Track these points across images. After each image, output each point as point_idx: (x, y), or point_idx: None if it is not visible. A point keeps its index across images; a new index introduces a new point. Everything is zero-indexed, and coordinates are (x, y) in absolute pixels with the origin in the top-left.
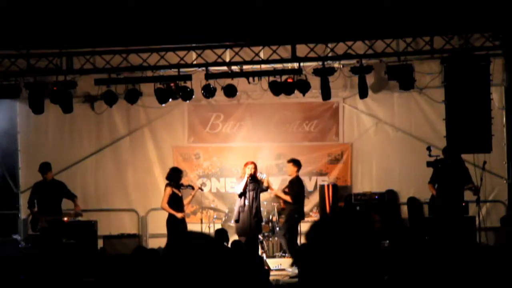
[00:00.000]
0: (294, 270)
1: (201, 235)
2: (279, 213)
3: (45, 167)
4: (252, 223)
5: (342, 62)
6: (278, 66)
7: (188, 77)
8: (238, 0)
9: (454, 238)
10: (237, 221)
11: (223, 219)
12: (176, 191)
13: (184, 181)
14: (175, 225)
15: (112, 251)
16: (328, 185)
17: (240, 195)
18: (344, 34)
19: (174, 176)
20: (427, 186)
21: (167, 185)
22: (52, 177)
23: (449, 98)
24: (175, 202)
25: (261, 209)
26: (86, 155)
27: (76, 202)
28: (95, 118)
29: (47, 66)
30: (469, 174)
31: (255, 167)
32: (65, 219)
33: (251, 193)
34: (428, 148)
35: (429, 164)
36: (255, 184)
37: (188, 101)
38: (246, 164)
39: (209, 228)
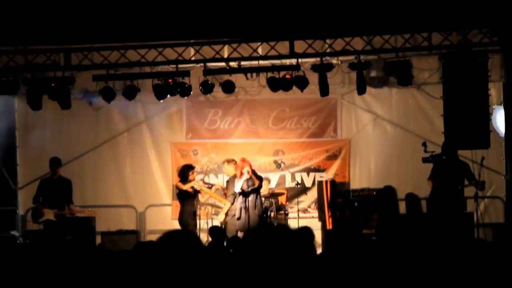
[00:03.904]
0: None
1: (185, 234)
2: (277, 209)
3: (54, 162)
4: (254, 219)
5: (340, 58)
6: (276, 62)
7: (186, 73)
8: None
9: (452, 234)
10: (238, 218)
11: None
12: (185, 188)
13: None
14: (184, 220)
15: (110, 247)
16: (326, 181)
17: (240, 193)
18: (342, 30)
19: (179, 174)
20: (425, 182)
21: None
22: (60, 173)
23: (447, 94)
24: (184, 198)
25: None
26: (84, 151)
27: (71, 207)
28: (93, 114)
29: (45, 62)
30: (470, 170)
31: (248, 164)
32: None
33: (250, 189)
34: (424, 144)
35: (424, 160)
36: (252, 181)
37: (186, 97)
38: (243, 162)
39: (207, 224)
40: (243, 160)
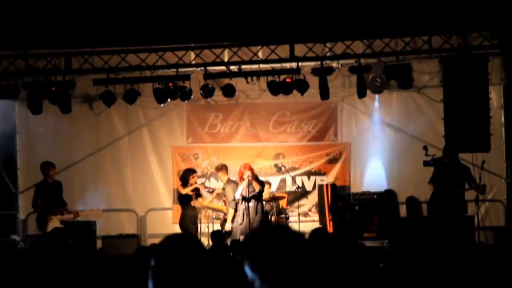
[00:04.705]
0: None
1: (186, 238)
2: (278, 213)
3: (46, 165)
4: (256, 224)
5: (341, 61)
6: (277, 65)
7: (187, 77)
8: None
9: (453, 237)
10: (241, 223)
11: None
12: (186, 191)
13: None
14: (184, 224)
15: (111, 251)
16: (326, 185)
17: (242, 199)
18: (342, 34)
19: (180, 178)
20: (425, 185)
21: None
22: (54, 176)
23: (447, 97)
24: (184, 202)
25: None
26: (84, 156)
27: (68, 210)
28: (93, 119)
29: (46, 66)
30: (471, 173)
31: (250, 169)
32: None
33: (250, 195)
34: (425, 148)
35: (425, 163)
36: (253, 186)
37: (186, 101)
38: (243, 168)
39: (208, 228)
40: (244, 166)
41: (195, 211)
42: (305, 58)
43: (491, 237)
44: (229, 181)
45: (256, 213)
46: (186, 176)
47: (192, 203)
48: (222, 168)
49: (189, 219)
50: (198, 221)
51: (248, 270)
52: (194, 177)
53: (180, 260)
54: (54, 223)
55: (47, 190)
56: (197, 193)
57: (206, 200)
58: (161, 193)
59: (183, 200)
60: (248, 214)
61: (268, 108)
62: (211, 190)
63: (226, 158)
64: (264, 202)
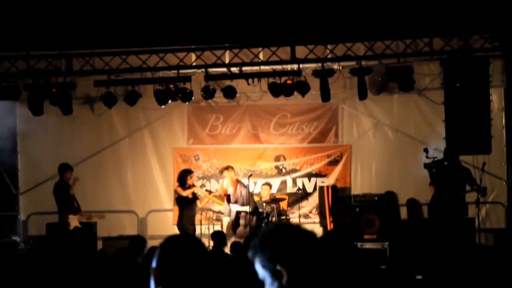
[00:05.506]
0: None
1: (190, 240)
2: (279, 215)
3: (62, 167)
4: (241, 230)
5: (342, 63)
6: (278, 67)
7: (188, 79)
8: (237, 1)
9: (454, 239)
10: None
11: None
12: (187, 193)
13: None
14: (183, 225)
15: (111, 252)
16: (327, 187)
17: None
18: (343, 36)
19: (177, 179)
20: (426, 187)
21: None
22: (69, 178)
23: (448, 99)
24: (182, 203)
25: (260, 210)
26: (85, 157)
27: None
28: (94, 120)
29: (47, 67)
30: (472, 175)
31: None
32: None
33: (240, 198)
34: (425, 150)
35: (426, 165)
36: (244, 188)
37: (187, 103)
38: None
39: (209, 229)
40: (228, 170)
41: (193, 211)
42: (306, 60)
43: (491, 239)
44: (236, 182)
45: (247, 214)
46: (183, 176)
47: (199, 202)
48: (229, 168)
49: (187, 219)
50: (197, 222)
51: (258, 268)
52: (192, 177)
53: (182, 261)
54: (75, 222)
55: (65, 190)
56: (195, 195)
57: (203, 201)
58: (162, 195)
59: (181, 201)
60: (240, 215)
61: (269, 109)
62: (209, 193)
63: (227, 159)
64: (264, 204)
